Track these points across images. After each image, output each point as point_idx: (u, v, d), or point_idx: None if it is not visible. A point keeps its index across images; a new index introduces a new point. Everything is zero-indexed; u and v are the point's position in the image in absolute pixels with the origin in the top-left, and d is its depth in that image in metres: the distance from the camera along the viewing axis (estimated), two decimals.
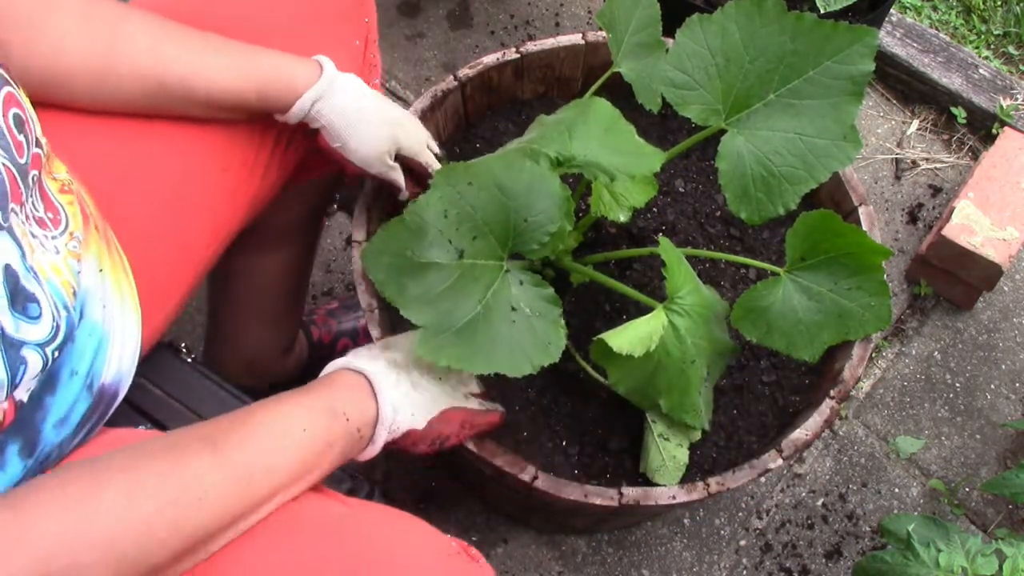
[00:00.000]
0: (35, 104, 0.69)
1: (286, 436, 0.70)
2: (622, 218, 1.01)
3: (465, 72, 1.15)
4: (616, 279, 0.98)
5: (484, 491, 1.31)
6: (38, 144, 0.67)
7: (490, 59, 1.16)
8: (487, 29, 1.85)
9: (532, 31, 1.85)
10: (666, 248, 0.88)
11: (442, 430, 0.86)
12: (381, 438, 0.79)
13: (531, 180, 0.83)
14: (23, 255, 0.61)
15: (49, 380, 0.66)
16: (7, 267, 0.59)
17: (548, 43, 1.18)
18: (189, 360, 0.92)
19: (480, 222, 0.82)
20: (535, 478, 0.92)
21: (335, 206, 1.61)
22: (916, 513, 1.36)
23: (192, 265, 0.89)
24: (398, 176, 0.96)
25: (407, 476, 1.38)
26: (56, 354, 0.64)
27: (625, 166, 0.88)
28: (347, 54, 0.95)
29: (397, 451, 0.85)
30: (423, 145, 0.98)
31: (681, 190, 1.20)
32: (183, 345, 0.94)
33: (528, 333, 0.82)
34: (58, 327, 0.64)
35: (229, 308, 1.22)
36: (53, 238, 0.67)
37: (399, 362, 0.83)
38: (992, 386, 1.53)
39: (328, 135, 0.90)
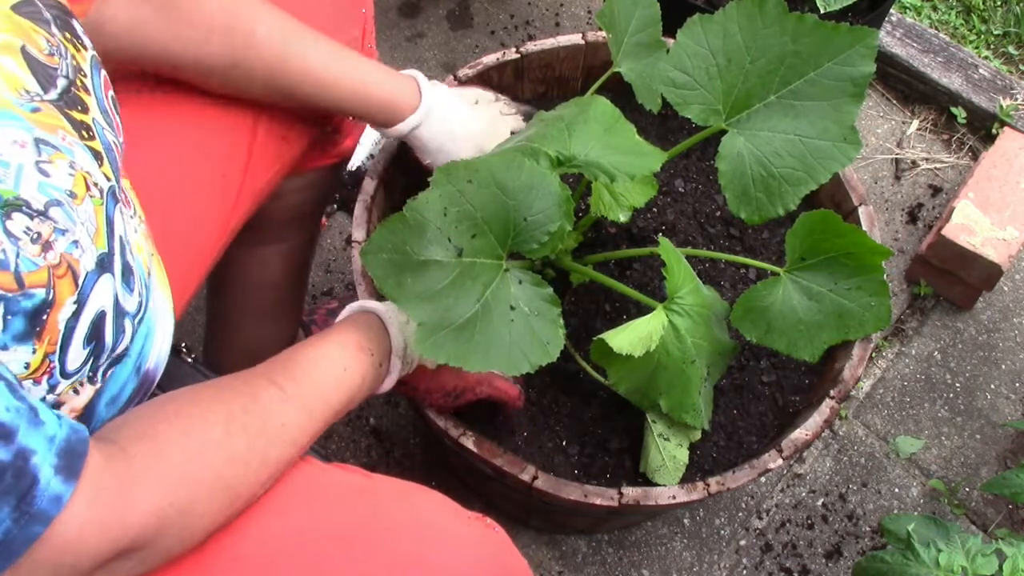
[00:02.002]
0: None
1: (330, 373, 0.76)
2: (622, 218, 1.01)
3: (465, 72, 1.16)
4: (616, 279, 0.98)
5: (484, 491, 1.31)
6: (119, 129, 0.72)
7: (490, 59, 1.16)
8: (487, 29, 1.85)
9: (532, 31, 1.85)
10: (666, 248, 0.88)
11: (456, 382, 0.92)
12: (396, 369, 0.84)
13: (531, 179, 0.83)
14: (125, 230, 0.67)
15: None
16: (120, 238, 0.65)
17: (548, 43, 1.19)
18: (189, 360, 0.92)
19: (480, 220, 0.82)
20: (535, 478, 0.92)
21: (335, 206, 1.61)
22: (916, 513, 1.36)
23: (204, 259, 0.91)
24: None
25: (407, 476, 1.38)
26: (137, 328, 0.68)
27: (625, 166, 0.88)
28: (346, 44, 0.96)
29: (413, 399, 0.92)
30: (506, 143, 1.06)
31: (681, 190, 1.20)
32: (183, 345, 0.94)
33: (526, 332, 0.82)
34: (142, 302, 0.69)
35: (229, 302, 1.22)
36: (131, 217, 0.71)
37: None
38: (992, 386, 1.53)
39: (420, 153, 1.01)
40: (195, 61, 0.85)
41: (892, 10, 1.81)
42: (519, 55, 1.17)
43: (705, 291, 0.96)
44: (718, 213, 1.19)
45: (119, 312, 0.64)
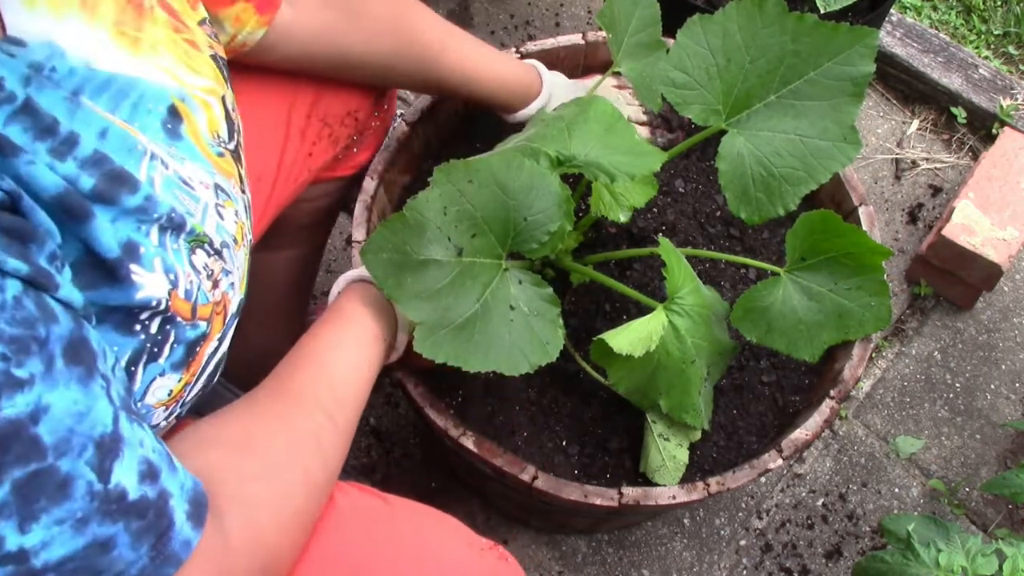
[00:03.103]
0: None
1: (363, 387, 0.78)
2: (622, 218, 1.01)
3: None
4: (616, 279, 0.98)
5: (484, 491, 1.31)
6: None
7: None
8: (487, 29, 1.85)
9: (532, 31, 1.85)
10: (666, 248, 0.88)
11: None
12: (402, 343, 0.86)
13: (531, 179, 0.83)
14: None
15: None
16: (248, 288, 0.69)
17: (548, 43, 1.18)
18: None
19: (480, 220, 0.82)
20: (535, 478, 0.92)
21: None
22: (916, 513, 1.36)
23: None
24: None
25: (407, 476, 1.38)
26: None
27: (625, 166, 0.88)
28: None
29: (410, 365, 0.93)
30: None
31: (681, 190, 1.20)
32: None
33: (526, 332, 0.82)
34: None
35: None
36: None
37: None
38: (992, 386, 1.53)
39: None
40: (363, 56, 0.91)
41: (892, 10, 1.81)
42: (519, 55, 1.17)
43: (705, 291, 0.95)
44: (718, 213, 1.19)
45: (224, 354, 0.68)
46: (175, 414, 0.65)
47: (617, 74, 1.11)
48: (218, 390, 0.91)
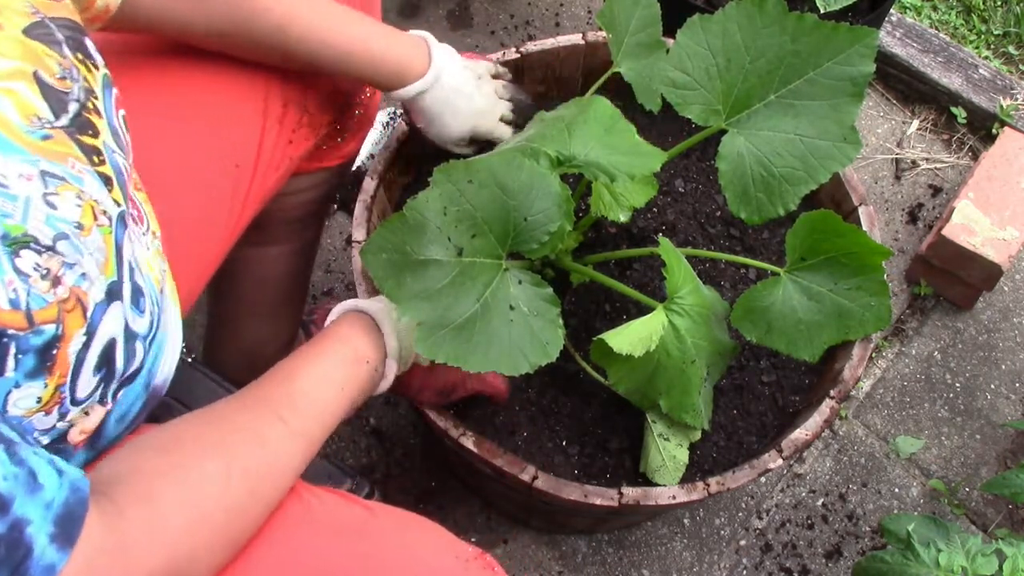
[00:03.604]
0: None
1: (331, 395, 0.76)
2: (622, 218, 1.01)
3: None
4: (616, 279, 0.98)
5: (484, 491, 1.31)
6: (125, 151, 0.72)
7: (490, 59, 1.16)
8: (487, 29, 1.85)
9: (532, 31, 1.85)
10: (666, 248, 0.88)
11: (448, 378, 0.92)
12: (392, 371, 0.84)
13: (531, 179, 0.83)
14: (135, 253, 0.66)
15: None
16: (130, 263, 0.64)
17: (548, 43, 1.18)
18: (189, 360, 0.92)
19: (479, 220, 0.82)
20: (535, 478, 0.92)
21: (335, 206, 1.61)
22: (916, 513, 1.36)
23: (212, 260, 0.92)
24: (464, 151, 1.07)
25: (407, 476, 1.38)
26: (149, 348, 0.68)
27: (625, 166, 0.88)
28: None
29: (405, 396, 0.92)
30: (495, 124, 1.06)
31: (681, 190, 1.20)
32: (183, 345, 0.94)
33: (526, 332, 0.82)
34: (153, 322, 0.69)
35: (230, 302, 1.22)
36: (143, 235, 0.71)
37: None
38: (992, 386, 1.53)
39: (417, 117, 1.02)
40: (206, 29, 0.86)
41: (892, 10, 1.81)
42: (519, 55, 1.17)
43: (705, 291, 0.95)
44: (718, 213, 1.19)
45: (129, 336, 0.64)
46: (76, 411, 0.61)
47: (497, 63, 1.11)
48: (213, 388, 0.90)
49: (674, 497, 0.93)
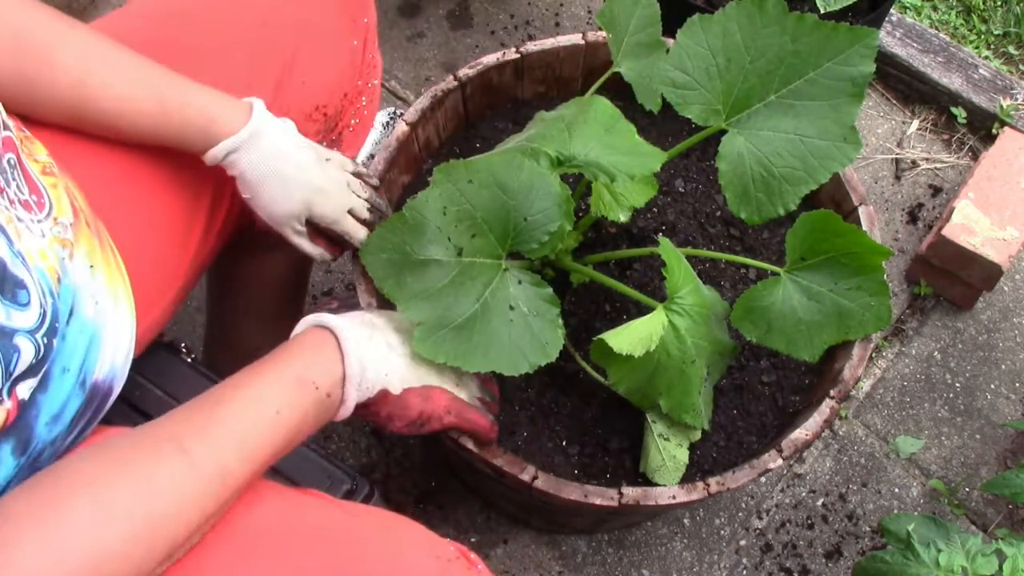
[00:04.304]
0: None
1: (260, 423, 0.68)
2: (622, 218, 1.01)
3: (465, 72, 1.15)
4: (616, 279, 0.98)
5: (484, 491, 1.31)
6: (5, 127, 0.67)
7: (490, 59, 1.16)
8: (487, 29, 1.85)
9: (532, 31, 1.85)
10: (666, 248, 0.88)
11: (424, 408, 0.82)
12: (351, 397, 0.76)
13: (531, 179, 0.83)
14: (10, 241, 0.61)
15: (41, 377, 0.65)
16: None
17: (548, 43, 1.18)
18: (189, 360, 0.92)
19: (479, 220, 0.82)
20: (535, 478, 0.92)
21: None
22: (916, 513, 1.35)
23: (185, 260, 0.88)
24: (303, 242, 0.91)
25: (407, 476, 1.38)
26: (46, 341, 0.63)
27: (625, 166, 0.88)
28: (345, 53, 0.96)
29: (372, 423, 0.82)
30: (342, 214, 0.91)
31: (681, 190, 1.20)
32: (183, 345, 0.94)
33: (526, 332, 0.82)
34: (45, 313, 0.63)
35: (230, 303, 1.22)
36: (39, 222, 0.66)
37: (376, 324, 0.81)
38: (992, 386, 1.53)
39: (240, 185, 0.86)
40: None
41: (892, 10, 1.81)
42: (519, 55, 1.17)
43: (705, 291, 0.95)
44: (718, 213, 1.19)
45: (1, 332, 0.58)
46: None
47: (353, 162, 0.95)
48: (209, 387, 0.90)
49: (674, 497, 0.93)
